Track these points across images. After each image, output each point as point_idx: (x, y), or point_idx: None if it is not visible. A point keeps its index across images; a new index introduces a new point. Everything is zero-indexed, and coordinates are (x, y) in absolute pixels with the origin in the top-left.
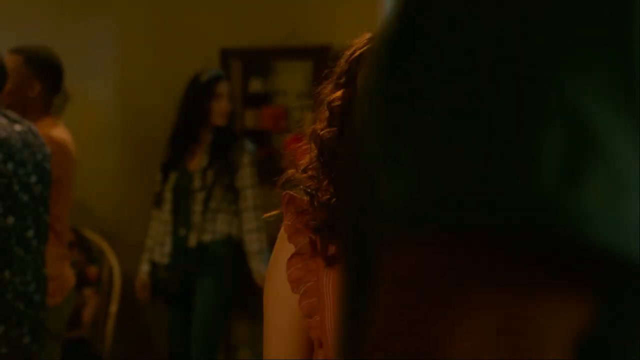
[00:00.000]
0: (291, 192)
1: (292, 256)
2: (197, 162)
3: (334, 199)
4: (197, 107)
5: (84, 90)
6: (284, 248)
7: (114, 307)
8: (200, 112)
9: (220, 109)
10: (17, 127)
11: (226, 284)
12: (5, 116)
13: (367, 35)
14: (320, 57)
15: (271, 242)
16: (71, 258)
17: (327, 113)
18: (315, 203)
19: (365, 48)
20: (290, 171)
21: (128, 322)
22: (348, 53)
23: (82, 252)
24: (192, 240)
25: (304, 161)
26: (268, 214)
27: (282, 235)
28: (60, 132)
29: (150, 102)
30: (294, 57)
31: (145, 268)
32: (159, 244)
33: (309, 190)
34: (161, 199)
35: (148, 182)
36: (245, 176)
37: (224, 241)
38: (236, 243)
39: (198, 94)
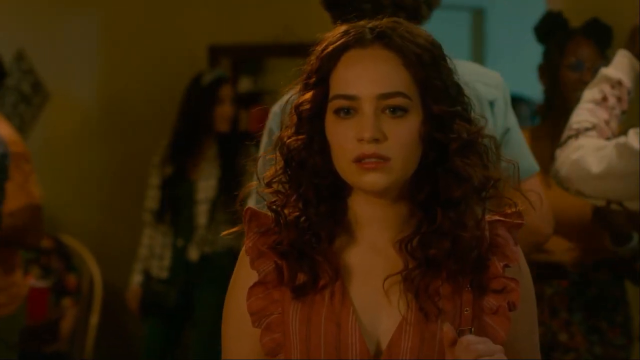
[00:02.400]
0: (254, 207)
1: (254, 285)
2: (201, 171)
3: (303, 217)
4: (199, 112)
5: (65, 89)
6: (245, 274)
7: (94, 319)
8: (203, 117)
9: (224, 113)
10: None
11: None
12: None
13: (341, 28)
14: None
15: None
16: (52, 266)
17: (294, 118)
18: (282, 221)
19: (339, 42)
20: (253, 184)
21: (109, 335)
22: (319, 49)
23: (60, 259)
24: (194, 254)
25: (269, 173)
26: (227, 232)
27: (243, 258)
28: (3, 127)
29: (135, 102)
30: (287, 54)
31: (138, 279)
32: (156, 256)
33: (274, 207)
34: (162, 213)
35: (132, 185)
36: None
37: (226, 252)
38: (237, 254)
39: (200, 98)
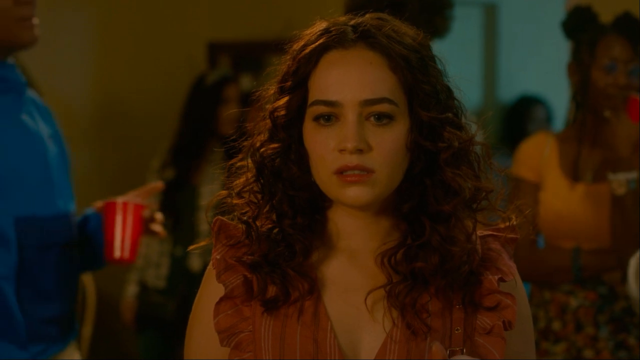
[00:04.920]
0: (223, 218)
1: (220, 300)
2: (204, 175)
3: (276, 229)
4: (203, 114)
5: (56, 87)
6: (211, 288)
7: (87, 331)
8: (206, 119)
9: (229, 115)
10: None
11: None
12: None
13: (321, 25)
14: None
15: None
16: None
17: (269, 124)
18: (253, 234)
19: (319, 42)
20: (222, 193)
21: (103, 348)
22: (296, 48)
23: None
24: (196, 263)
25: (240, 182)
26: (193, 247)
27: (210, 271)
28: None
29: (130, 102)
30: None
31: (133, 290)
32: (153, 265)
33: (244, 218)
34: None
35: (127, 190)
36: None
37: None
38: None
39: (204, 99)
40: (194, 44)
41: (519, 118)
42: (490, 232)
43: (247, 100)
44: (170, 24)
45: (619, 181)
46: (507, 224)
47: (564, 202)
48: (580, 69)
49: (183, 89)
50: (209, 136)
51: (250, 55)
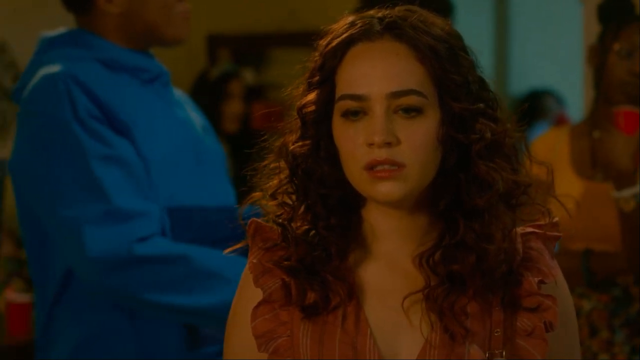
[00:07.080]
0: (259, 220)
1: (258, 304)
2: None
3: (312, 231)
4: (206, 110)
5: None
6: (249, 293)
7: None
8: (209, 115)
9: (232, 111)
10: None
11: None
12: None
13: (348, 19)
14: None
15: None
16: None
17: (299, 122)
18: (289, 236)
19: (344, 36)
20: (256, 195)
21: None
22: (323, 43)
23: None
24: None
25: (273, 183)
26: (230, 249)
27: (247, 275)
28: None
29: None
30: (293, 44)
31: None
32: None
33: (280, 220)
34: None
35: None
36: None
37: None
38: None
39: (207, 95)
40: (192, 36)
41: (529, 112)
42: (532, 230)
43: (250, 95)
44: None
45: (625, 198)
46: (548, 219)
47: (573, 200)
48: (600, 52)
49: (181, 82)
50: None
51: (251, 49)
